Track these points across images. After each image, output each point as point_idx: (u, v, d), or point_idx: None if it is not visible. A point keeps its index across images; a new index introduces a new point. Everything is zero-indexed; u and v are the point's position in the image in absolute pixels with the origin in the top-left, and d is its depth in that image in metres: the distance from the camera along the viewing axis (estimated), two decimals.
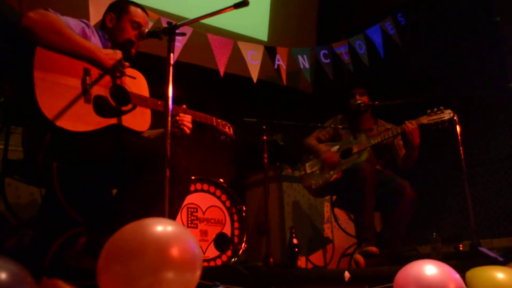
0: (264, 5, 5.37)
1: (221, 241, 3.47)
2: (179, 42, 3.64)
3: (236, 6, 2.06)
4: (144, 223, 1.31)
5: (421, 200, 3.42)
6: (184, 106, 2.52)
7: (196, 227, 3.41)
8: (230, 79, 4.19)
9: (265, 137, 3.18)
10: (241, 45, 4.07)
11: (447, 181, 4.70)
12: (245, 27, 5.04)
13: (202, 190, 3.52)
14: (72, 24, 2.16)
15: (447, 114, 3.30)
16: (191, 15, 2.15)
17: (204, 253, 3.36)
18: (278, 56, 4.25)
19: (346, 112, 3.86)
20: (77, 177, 2.14)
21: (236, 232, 3.59)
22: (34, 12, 1.99)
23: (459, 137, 3.28)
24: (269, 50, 4.25)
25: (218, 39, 3.91)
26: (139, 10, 2.44)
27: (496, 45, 4.59)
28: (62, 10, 2.18)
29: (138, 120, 2.29)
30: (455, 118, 3.29)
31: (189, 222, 3.39)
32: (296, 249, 3.52)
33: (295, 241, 3.53)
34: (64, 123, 1.99)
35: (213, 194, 3.57)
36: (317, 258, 4.38)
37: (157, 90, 2.33)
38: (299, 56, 4.41)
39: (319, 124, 3.82)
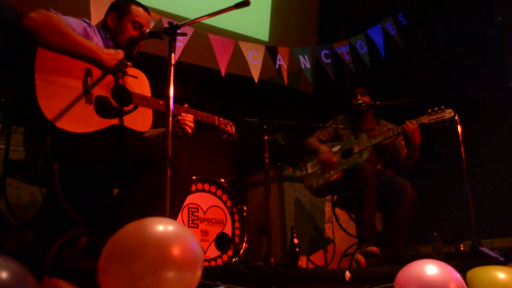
0: (265, 5, 5.37)
1: (222, 241, 3.47)
2: (180, 42, 3.65)
3: (237, 6, 2.06)
4: (145, 223, 1.31)
5: (422, 200, 3.42)
6: (186, 105, 2.52)
7: (197, 227, 3.41)
8: (231, 79, 4.20)
9: (266, 137, 3.18)
10: (242, 45, 4.07)
11: (448, 181, 4.70)
12: (246, 27, 5.04)
13: (203, 190, 3.52)
14: (73, 23, 2.15)
15: (448, 114, 3.29)
16: (192, 15, 2.15)
17: (205, 253, 3.36)
18: (279, 56, 4.25)
19: (347, 112, 3.86)
20: (78, 177, 2.14)
21: (237, 232, 3.59)
22: (35, 13, 1.99)
23: (460, 137, 3.28)
24: (270, 50, 4.25)
25: (219, 39, 3.91)
26: (141, 10, 2.43)
27: (497, 45, 4.59)
28: (64, 9, 2.18)
29: (140, 120, 2.29)
30: (456, 117, 3.29)
31: (190, 222, 3.39)
32: (297, 249, 3.52)
33: (296, 241, 3.53)
34: (65, 125, 1.99)
35: (214, 194, 3.57)
36: (318, 258, 4.38)
37: (159, 90, 2.33)
38: (300, 56, 4.42)
39: (320, 124, 3.81)
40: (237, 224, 3.61)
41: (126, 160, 2.08)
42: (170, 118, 1.91)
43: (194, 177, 3.39)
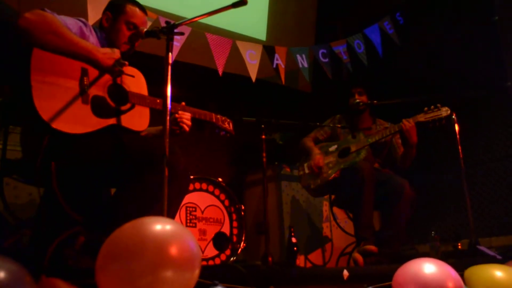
0: (263, 4, 5.37)
1: (220, 240, 3.47)
2: (178, 42, 3.64)
3: (235, 5, 2.06)
4: (142, 222, 1.31)
5: (420, 198, 3.43)
6: (183, 103, 2.51)
7: (195, 226, 3.41)
8: (228, 78, 4.19)
9: (263, 136, 3.18)
10: (240, 44, 4.06)
11: (446, 180, 4.70)
12: (243, 27, 5.04)
13: (200, 189, 3.52)
14: (69, 23, 2.14)
15: (444, 111, 3.30)
16: (189, 14, 2.14)
17: (203, 252, 3.36)
18: (276, 56, 4.25)
19: (345, 112, 3.87)
20: (75, 177, 2.14)
21: (235, 231, 3.60)
22: (30, 13, 1.98)
23: (458, 136, 3.29)
24: (268, 50, 4.25)
25: (216, 39, 3.90)
26: (137, 10, 2.40)
27: (495, 44, 4.59)
28: (61, 9, 2.18)
29: (137, 119, 2.28)
30: (453, 117, 3.29)
31: (188, 221, 3.39)
32: (295, 248, 3.53)
33: (294, 240, 3.54)
34: (61, 125, 1.98)
35: (212, 193, 3.58)
36: (316, 257, 4.38)
37: (156, 90, 2.33)
38: (298, 55, 4.41)
39: (318, 123, 3.82)
40: (235, 224, 3.61)
41: (124, 160, 2.08)
42: (168, 118, 1.91)
43: (192, 177, 3.39)
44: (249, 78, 4.07)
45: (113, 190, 2.44)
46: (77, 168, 2.10)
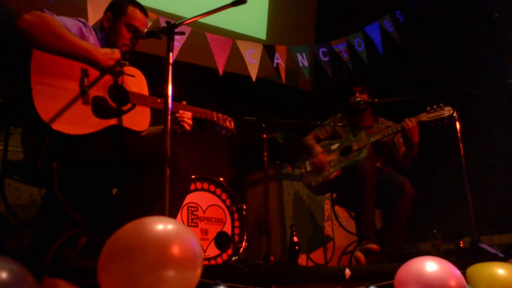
0: (262, 3, 5.36)
1: (221, 240, 3.47)
2: (178, 42, 3.64)
3: (234, 4, 2.05)
4: (144, 222, 1.31)
5: (421, 197, 3.42)
6: (184, 102, 2.51)
7: (197, 226, 3.41)
8: (229, 78, 4.19)
9: (264, 136, 3.18)
10: (240, 43, 4.06)
11: (447, 178, 4.69)
12: (243, 26, 5.03)
13: (202, 189, 3.52)
14: (68, 24, 2.14)
15: (447, 111, 3.29)
16: (189, 14, 2.14)
17: (204, 251, 3.36)
18: (277, 55, 4.24)
19: (345, 110, 3.87)
20: (77, 178, 2.13)
21: (237, 230, 3.59)
22: (29, 14, 1.98)
23: (459, 134, 3.28)
24: (268, 49, 4.24)
25: (216, 38, 3.90)
26: (137, 12, 2.38)
27: (495, 42, 4.59)
28: (61, 9, 2.18)
29: (138, 119, 2.28)
30: (454, 115, 3.29)
31: (190, 221, 3.39)
32: (297, 247, 3.53)
33: (295, 239, 3.53)
34: (62, 127, 1.98)
35: (213, 193, 3.57)
36: (317, 256, 4.38)
37: (157, 90, 2.32)
38: (298, 54, 4.40)
39: (319, 122, 3.82)
40: (236, 223, 3.61)
41: (125, 160, 2.07)
42: (169, 118, 1.91)
43: (193, 176, 3.39)
44: (250, 78, 4.06)
45: (114, 191, 2.44)
46: (78, 168, 2.10)
